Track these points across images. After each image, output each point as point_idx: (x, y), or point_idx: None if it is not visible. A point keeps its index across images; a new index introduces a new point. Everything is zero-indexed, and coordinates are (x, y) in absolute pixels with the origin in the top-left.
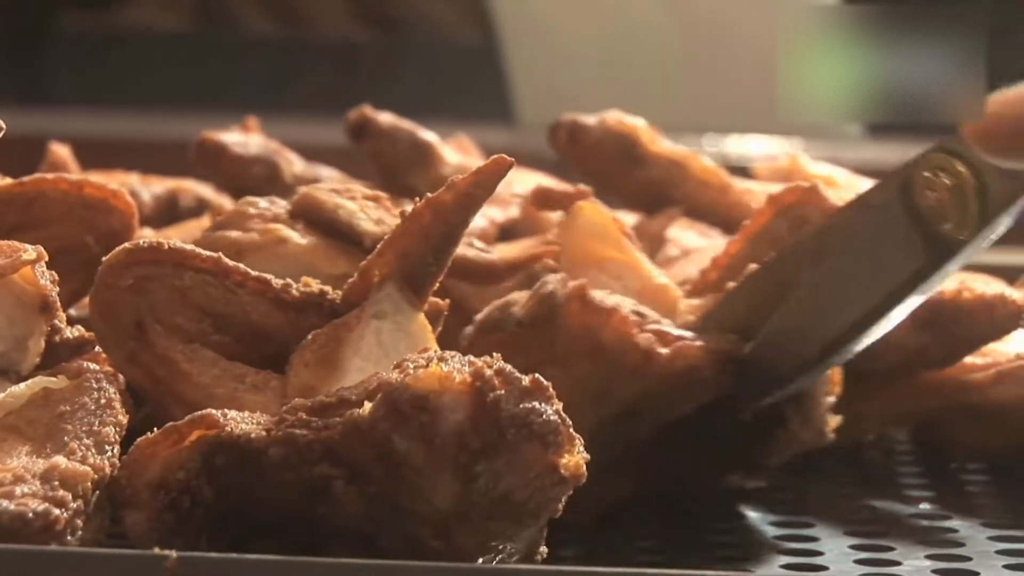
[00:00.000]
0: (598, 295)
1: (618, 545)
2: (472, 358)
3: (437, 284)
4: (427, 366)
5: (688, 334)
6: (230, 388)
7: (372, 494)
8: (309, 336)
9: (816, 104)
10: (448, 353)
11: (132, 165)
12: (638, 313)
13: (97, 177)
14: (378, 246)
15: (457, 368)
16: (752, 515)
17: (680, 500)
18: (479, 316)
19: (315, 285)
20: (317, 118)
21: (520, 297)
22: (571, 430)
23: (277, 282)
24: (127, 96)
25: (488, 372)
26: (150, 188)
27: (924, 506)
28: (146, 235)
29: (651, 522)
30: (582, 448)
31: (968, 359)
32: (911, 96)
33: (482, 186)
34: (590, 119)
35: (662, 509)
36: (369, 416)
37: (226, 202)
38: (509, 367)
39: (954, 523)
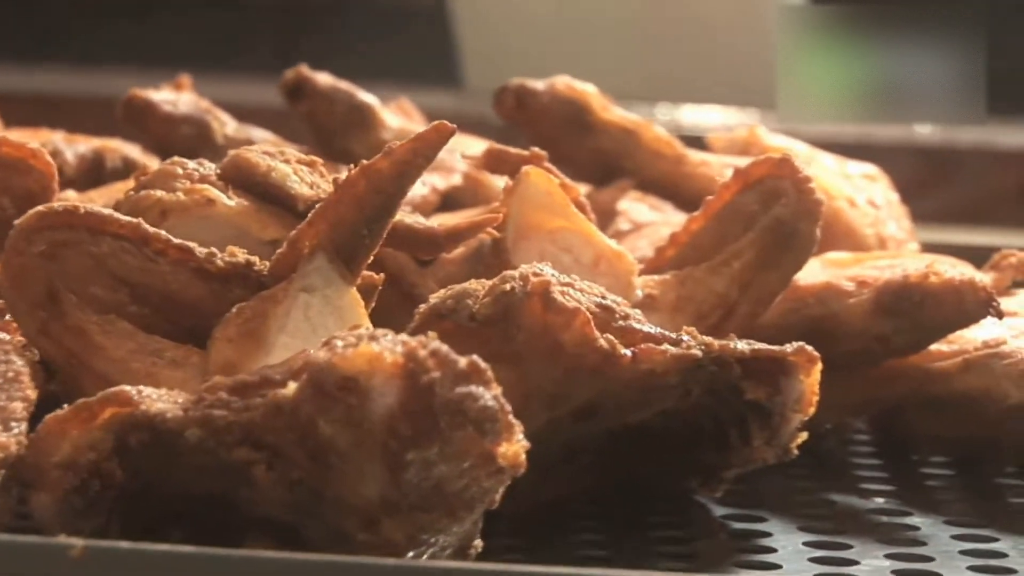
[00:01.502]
0: (560, 294)
1: (556, 538)
2: (406, 337)
3: (371, 257)
4: (356, 345)
5: (656, 331)
6: (147, 363)
7: (295, 481)
8: (233, 309)
9: (818, 104)
10: (380, 331)
11: (58, 123)
12: (603, 307)
13: (17, 135)
14: (309, 215)
15: (388, 348)
16: (701, 507)
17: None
18: (432, 298)
19: (241, 255)
20: (255, 79)
21: (478, 287)
22: (510, 417)
23: (200, 251)
24: (54, 51)
25: (422, 353)
26: (74, 147)
27: (880, 501)
28: (68, 197)
29: (592, 512)
30: (522, 436)
31: (933, 346)
32: (911, 95)
33: (421, 154)
34: (538, 84)
35: (604, 497)
36: (293, 397)
37: (154, 163)
38: (445, 348)
39: (915, 520)
